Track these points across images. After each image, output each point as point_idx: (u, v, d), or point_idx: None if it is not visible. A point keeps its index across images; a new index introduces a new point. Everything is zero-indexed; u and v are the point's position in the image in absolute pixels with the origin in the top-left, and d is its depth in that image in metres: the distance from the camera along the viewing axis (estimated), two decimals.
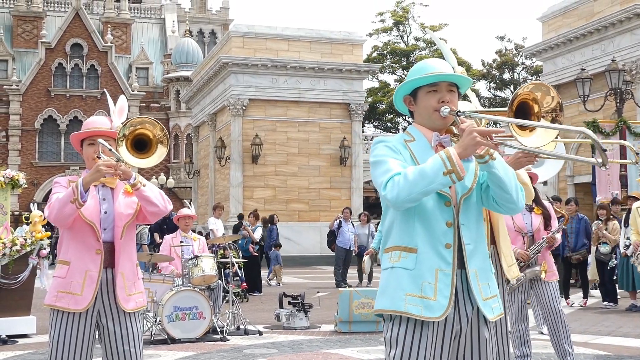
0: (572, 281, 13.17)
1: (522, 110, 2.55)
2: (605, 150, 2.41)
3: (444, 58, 3.27)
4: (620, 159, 17.13)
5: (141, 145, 3.51)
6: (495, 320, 2.75)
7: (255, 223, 14.52)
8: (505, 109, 2.60)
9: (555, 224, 5.95)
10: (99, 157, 3.56)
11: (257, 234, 14.27)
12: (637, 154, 3.61)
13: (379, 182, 2.64)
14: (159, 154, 3.51)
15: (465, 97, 3.53)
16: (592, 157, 2.55)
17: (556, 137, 2.61)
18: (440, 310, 2.61)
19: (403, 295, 2.64)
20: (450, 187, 2.68)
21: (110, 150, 3.49)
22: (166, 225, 14.27)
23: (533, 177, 5.66)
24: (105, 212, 3.65)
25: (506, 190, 2.65)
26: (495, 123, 3.61)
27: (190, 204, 10.35)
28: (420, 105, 2.80)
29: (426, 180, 2.52)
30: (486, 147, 2.56)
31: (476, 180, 2.75)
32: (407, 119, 48.84)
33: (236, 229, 15.23)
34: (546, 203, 6.02)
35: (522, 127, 2.56)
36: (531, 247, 5.75)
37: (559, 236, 5.89)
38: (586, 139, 2.38)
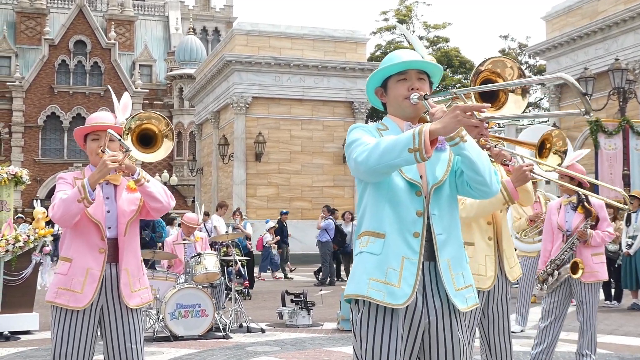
0: None
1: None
2: (586, 94, 2.35)
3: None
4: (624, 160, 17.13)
5: (147, 140, 3.52)
6: (467, 310, 2.71)
7: (241, 221, 15.21)
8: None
9: (604, 223, 5.60)
10: (103, 152, 3.53)
11: (249, 229, 14.96)
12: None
13: (353, 156, 2.60)
14: (165, 148, 3.52)
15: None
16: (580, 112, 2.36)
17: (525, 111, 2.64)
18: (403, 298, 2.57)
19: (367, 280, 2.61)
20: (421, 177, 2.67)
21: (120, 140, 3.46)
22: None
23: (577, 172, 5.20)
24: (109, 211, 3.62)
25: (479, 172, 2.60)
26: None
27: (200, 206, 10.44)
28: (391, 95, 2.78)
29: (393, 153, 2.46)
30: (457, 129, 2.47)
31: (449, 169, 2.72)
32: None
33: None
34: (597, 201, 5.61)
35: (491, 105, 2.54)
36: (562, 246, 5.57)
37: (593, 232, 5.50)
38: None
